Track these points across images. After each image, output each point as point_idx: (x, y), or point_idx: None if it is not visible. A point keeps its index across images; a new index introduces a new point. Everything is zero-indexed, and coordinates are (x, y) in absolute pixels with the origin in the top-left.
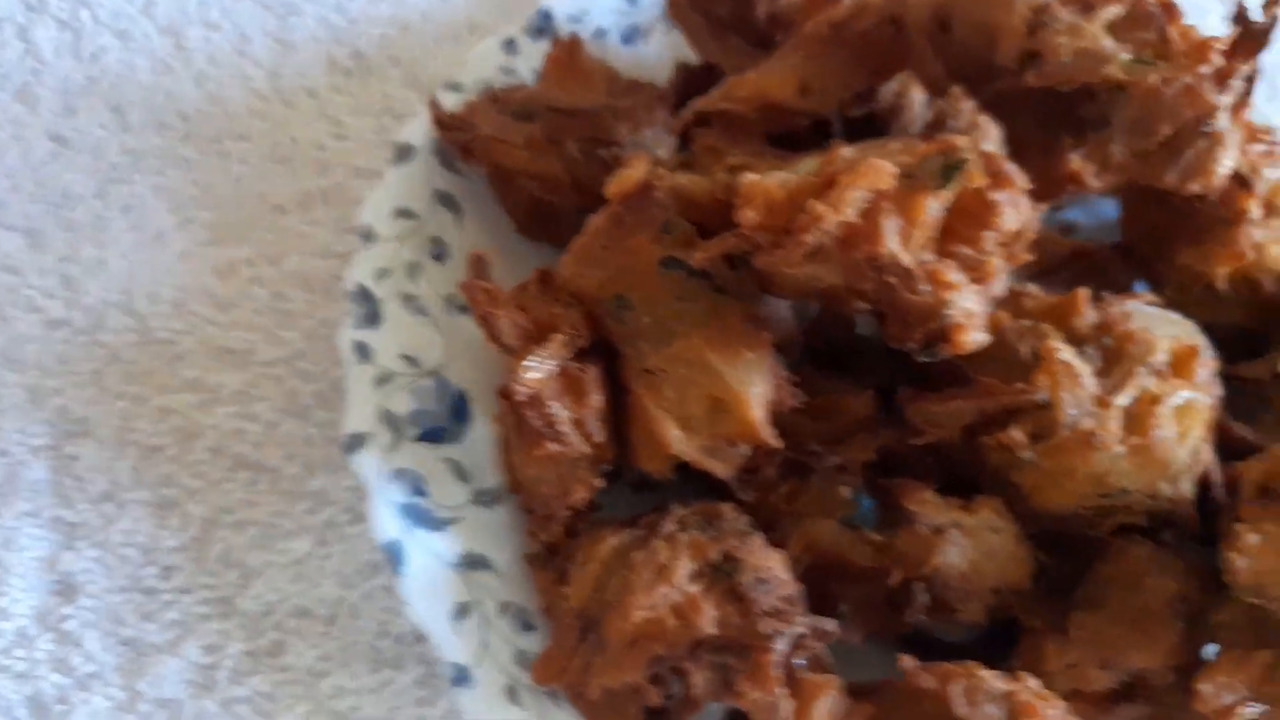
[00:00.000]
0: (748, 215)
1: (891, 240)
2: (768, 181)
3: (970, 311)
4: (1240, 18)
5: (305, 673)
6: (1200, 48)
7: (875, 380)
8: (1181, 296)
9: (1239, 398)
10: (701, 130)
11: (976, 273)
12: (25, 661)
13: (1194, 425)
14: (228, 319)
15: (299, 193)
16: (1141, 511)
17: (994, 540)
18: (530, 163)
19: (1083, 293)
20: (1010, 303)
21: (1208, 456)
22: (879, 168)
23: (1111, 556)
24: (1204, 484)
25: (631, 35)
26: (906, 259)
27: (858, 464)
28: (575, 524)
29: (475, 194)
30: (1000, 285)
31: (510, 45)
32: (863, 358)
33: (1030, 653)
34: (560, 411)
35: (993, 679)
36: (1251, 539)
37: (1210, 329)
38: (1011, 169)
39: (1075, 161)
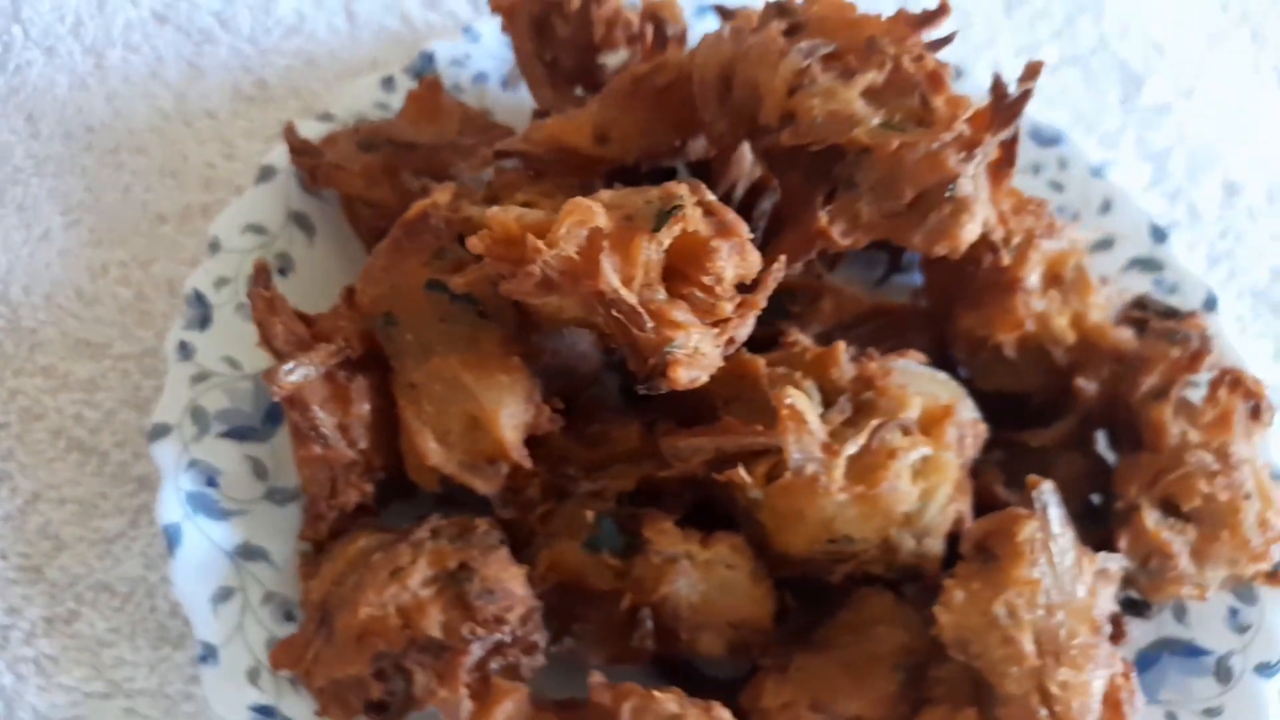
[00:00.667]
0: (473, 242)
1: (611, 277)
2: (506, 215)
3: (695, 350)
4: (996, 88)
5: (93, 641)
6: (951, 116)
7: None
8: (972, 360)
9: (1025, 464)
10: (503, 168)
11: (707, 315)
12: None
13: (939, 483)
14: (91, 314)
15: (181, 206)
16: (878, 561)
17: (727, 575)
18: (365, 190)
19: (840, 346)
20: (782, 351)
21: (958, 515)
22: (587, 207)
23: (852, 604)
24: (954, 542)
25: (510, 81)
26: (629, 297)
27: (613, 490)
28: (344, 525)
29: (331, 217)
30: (743, 331)
31: (389, 83)
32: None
33: (752, 689)
34: (324, 417)
35: (667, 702)
36: (957, 595)
37: (1007, 397)
38: (734, 219)
39: (823, 219)
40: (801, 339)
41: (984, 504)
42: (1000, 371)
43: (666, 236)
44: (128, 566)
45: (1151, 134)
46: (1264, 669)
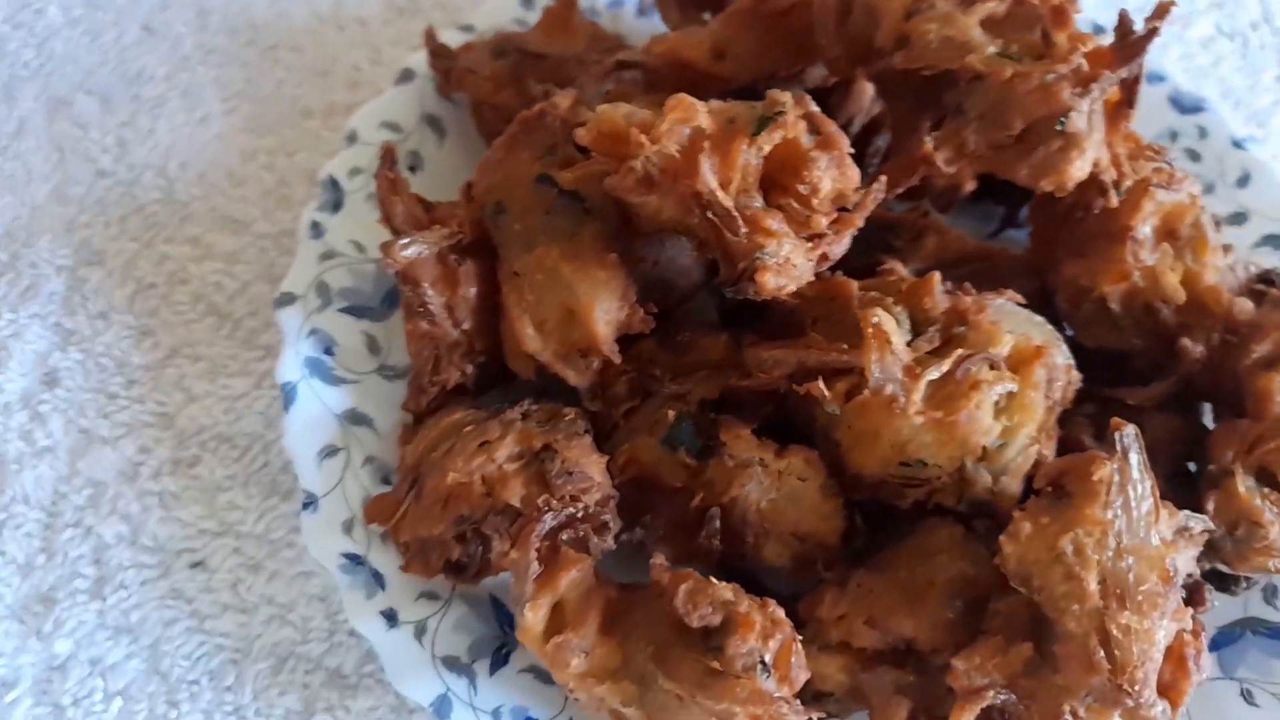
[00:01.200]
0: (580, 133)
1: (709, 178)
2: (614, 111)
3: (785, 259)
4: (1121, 24)
5: (211, 485)
6: (1070, 50)
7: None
8: (1075, 312)
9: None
10: (621, 79)
11: (802, 227)
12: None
13: (1023, 422)
14: (238, 194)
15: (327, 103)
16: (951, 492)
17: (798, 487)
18: (492, 94)
19: (935, 275)
20: (878, 279)
21: (1039, 458)
22: (690, 104)
23: (920, 531)
24: (1032, 485)
25: (644, 7)
26: (725, 199)
27: (696, 395)
28: (443, 402)
29: (461, 122)
30: (838, 248)
31: (529, 1)
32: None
33: (811, 599)
34: (433, 295)
35: (722, 590)
36: (1025, 527)
37: (1109, 354)
38: (835, 132)
39: (928, 144)
40: (899, 269)
41: (1069, 454)
42: (1103, 327)
43: (766, 142)
44: (248, 422)
45: None
46: None
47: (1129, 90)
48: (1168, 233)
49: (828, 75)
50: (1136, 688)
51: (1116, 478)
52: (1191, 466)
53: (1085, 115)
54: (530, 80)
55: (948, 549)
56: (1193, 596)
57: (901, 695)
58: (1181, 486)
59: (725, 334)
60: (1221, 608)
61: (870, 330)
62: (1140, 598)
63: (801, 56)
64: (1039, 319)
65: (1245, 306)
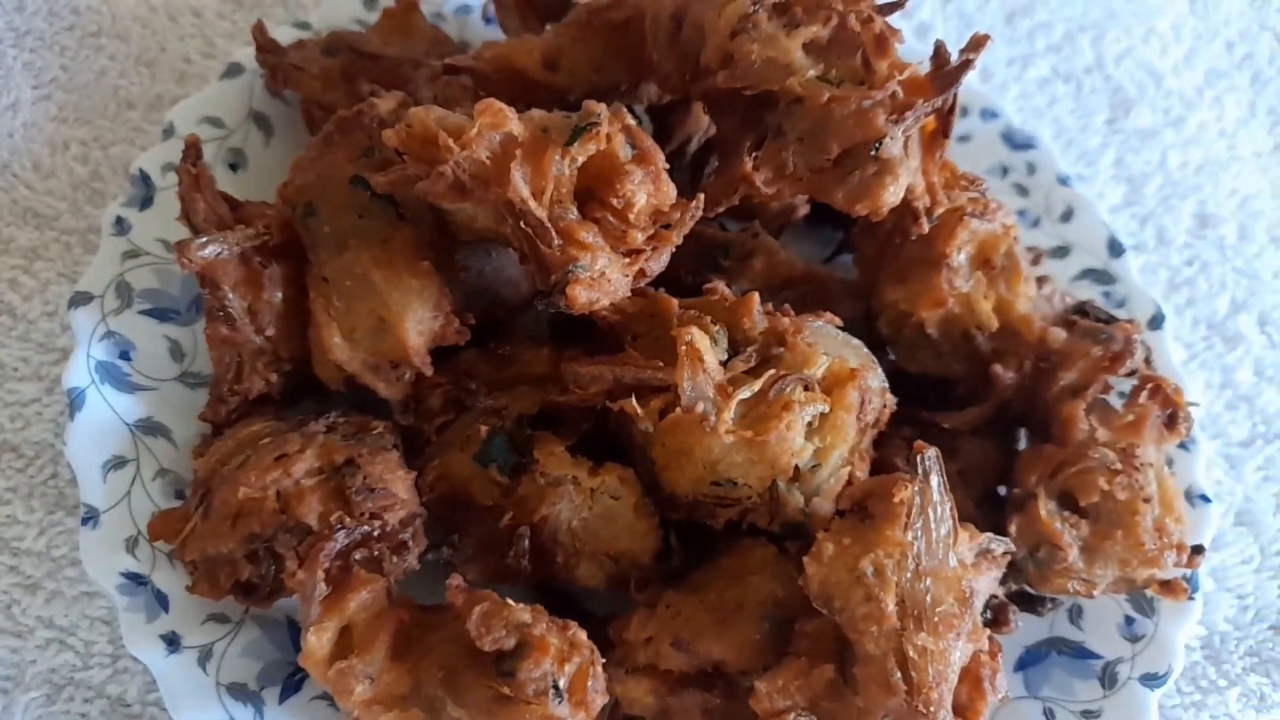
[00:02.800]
0: (388, 135)
1: (521, 187)
2: (426, 115)
3: (600, 274)
4: (938, 56)
5: None
6: (887, 77)
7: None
8: (896, 336)
9: (933, 444)
10: (446, 80)
11: (618, 242)
12: None
13: (835, 443)
14: (44, 186)
15: (152, 95)
16: (764, 512)
17: (612, 505)
18: (320, 93)
19: (753, 296)
20: (701, 298)
21: (852, 477)
22: (499, 109)
23: (733, 551)
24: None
25: (488, 13)
26: (537, 209)
27: (514, 410)
28: (247, 412)
29: (293, 122)
30: (655, 264)
31: (372, 1)
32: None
33: (620, 622)
34: (234, 298)
35: (519, 612)
36: (827, 548)
37: (931, 380)
38: (651, 147)
39: (748, 164)
40: (722, 289)
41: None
42: (924, 351)
43: (580, 152)
44: (36, 430)
45: (1132, 157)
46: (1150, 679)
47: (944, 120)
48: (982, 261)
49: (659, 93)
50: (932, 709)
51: (917, 500)
52: (1004, 491)
53: (900, 142)
54: (362, 81)
55: (759, 570)
56: (997, 617)
57: (708, 718)
58: (993, 510)
59: (549, 348)
60: (1029, 628)
61: (683, 348)
62: (936, 619)
63: (636, 71)
64: (856, 342)
65: (1058, 335)
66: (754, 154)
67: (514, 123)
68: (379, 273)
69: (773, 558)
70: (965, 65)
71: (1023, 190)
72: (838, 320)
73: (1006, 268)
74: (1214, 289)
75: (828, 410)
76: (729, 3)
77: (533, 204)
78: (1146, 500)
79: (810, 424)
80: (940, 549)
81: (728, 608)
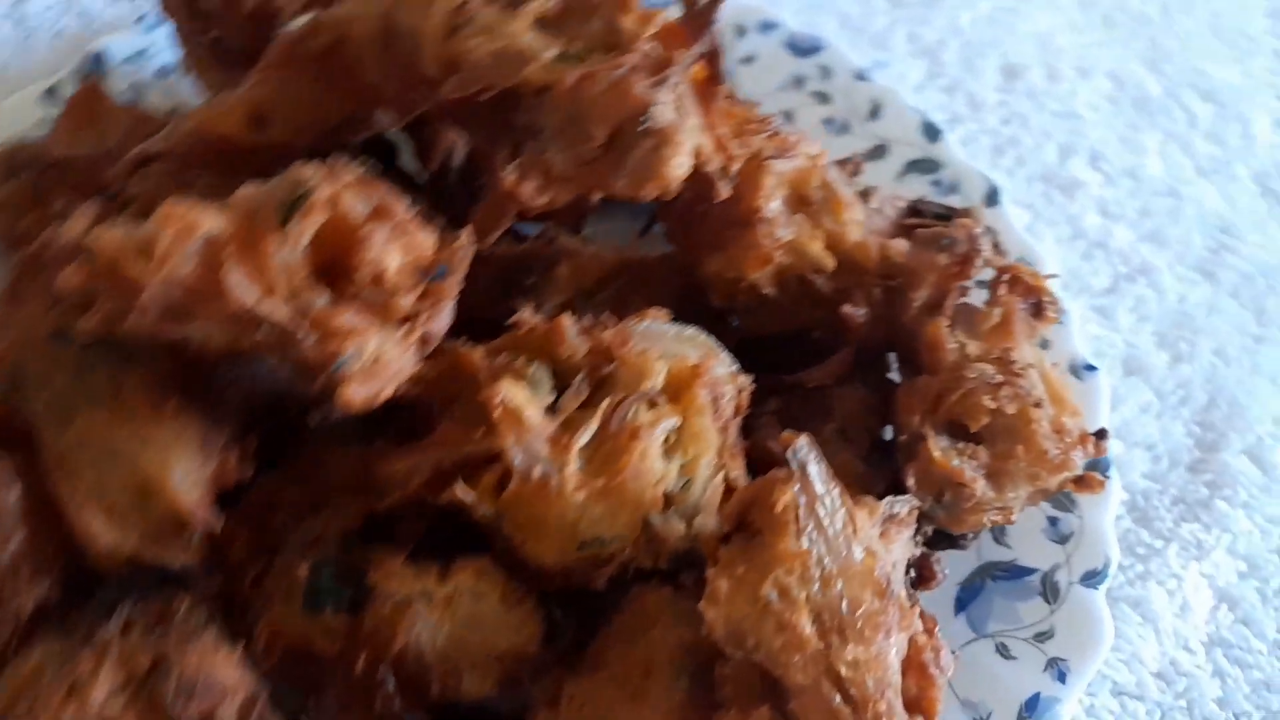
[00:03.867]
0: (66, 277)
1: (244, 292)
2: (110, 237)
3: (374, 359)
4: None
5: None
6: (635, 36)
7: None
8: (732, 305)
9: (805, 408)
10: (143, 172)
11: (384, 314)
12: None
13: (699, 453)
14: None
15: None
16: (645, 554)
17: (475, 607)
18: (12, 228)
19: (562, 319)
20: (505, 336)
21: (729, 481)
22: (183, 213)
23: (624, 607)
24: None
25: (188, 69)
26: (276, 309)
27: (335, 532)
28: (28, 634)
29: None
30: (438, 324)
31: (51, 94)
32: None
33: None
34: None
35: None
36: (722, 585)
37: (785, 337)
38: (385, 197)
39: (510, 179)
40: (527, 318)
41: (763, 463)
42: (766, 312)
43: (300, 230)
44: None
45: (923, 29)
46: (1091, 578)
47: (712, 64)
48: (798, 201)
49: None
50: None
51: (801, 500)
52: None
53: (669, 105)
54: (58, 196)
55: (658, 619)
56: (922, 574)
57: None
58: (885, 458)
59: (355, 447)
60: (957, 564)
61: (496, 411)
62: (860, 623)
63: (360, 101)
64: (689, 331)
65: (899, 249)
66: (514, 164)
67: (211, 218)
68: (120, 433)
69: (668, 601)
70: (714, 4)
71: (823, 97)
72: (663, 313)
73: (825, 199)
74: (1038, 140)
75: (680, 421)
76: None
77: (267, 305)
78: (1037, 405)
79: (666, 441)
80: (841, 544)
81: (635, 676)
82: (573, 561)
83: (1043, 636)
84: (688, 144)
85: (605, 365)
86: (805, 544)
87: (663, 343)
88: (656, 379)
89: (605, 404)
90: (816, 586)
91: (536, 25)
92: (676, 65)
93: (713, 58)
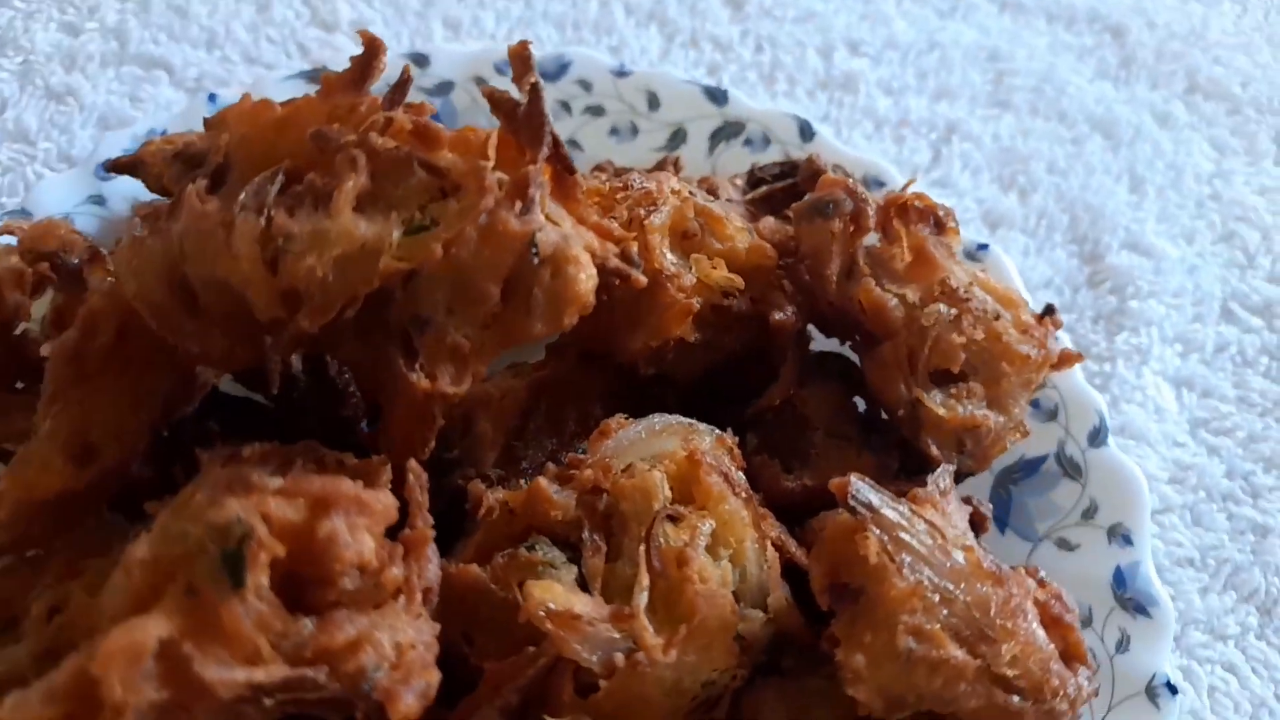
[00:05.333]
0: None
1: (228, 675)
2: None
3: (399, 655)
4: (498, 104)
5: None
6: (475, 170)
7: None
8: (662, 363)
9: (783, 430)
10: None
11: (379, 601)
12: None
13: (740, 536)
14: None
15: None
16: (744, 665)
17: None
18: None
19: (538, 485)
20: (478, 530)
21: (777, 542)
22: (117, 645)
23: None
24: (794, 578)
25: None
26: (272, 675)
27: None
28: None
29: None
30: (431, 572)
31: None
32: None
33: None
34: None
35: None
36: (858, 660)
37: (717, 370)
38: (326, 487)
39: (420, 380)
40: (490, 497)
41: (782, 507)
42: (696, 354)
43: (256, 584)
44: None
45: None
46: (1096, 437)
47: (558, 155)
48: (683, 239)
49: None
50: (1060, 693)
51: (885, 537)
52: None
53: (546, 224)
54: None
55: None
56: (977, 527)
57: None
58: (881, 434)
59: None
60: (975, 486)
61: (547, 625)
62: (998, 620)
63: (185, 369)
64: (659, 419)
65: (786, 231)
66: (416, 364)
67: (151, 626)
68: None
69: (779, 695)
70: (536, 92)
71: (597, 110)
72: (619, 419)
73: (705, 224)
74: (796, 53)
75: (712, 520)
76: (229, 234)
77: (260, 674)
78: (997, 317)
79: (708, 548)
80: (940, 556)
81: None
82: (691, 716)
83: (1089, 513)
84: (580, 252)
85: (600, 501)
86: (912, 577)
87: (640, 447)
88: (663, 490)
89: (631, 548)
90: (944, 611)
91: (358, 209)
92: (533, 179)
93: (557, 150)
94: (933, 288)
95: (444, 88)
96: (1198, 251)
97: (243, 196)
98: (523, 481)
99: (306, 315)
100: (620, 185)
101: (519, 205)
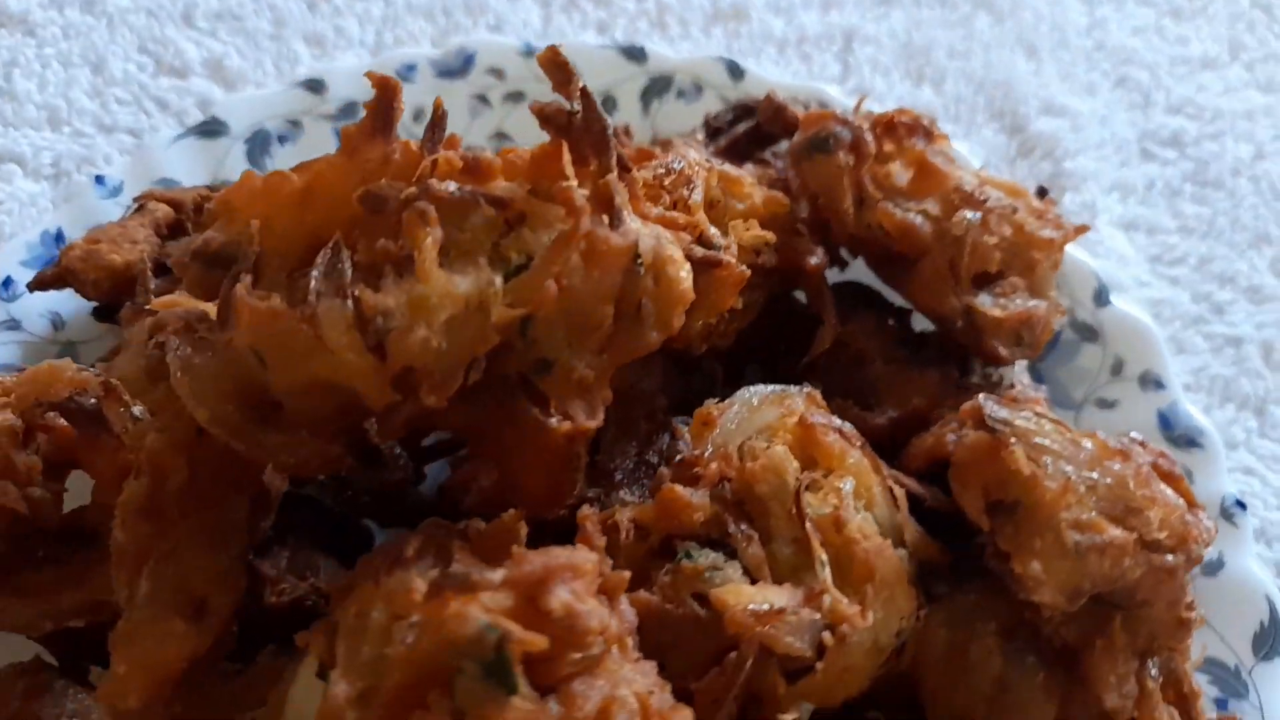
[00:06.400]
0: None
1: None
2: None
3: (640, 703)
4: (548, 118)
5: None
6: (559, 191)
7: None
8: (716, 334)
9: (844, 370)
10: None
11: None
12: None
13: (870, 485)
14: None
15: None
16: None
17: None
18: None
19: (676, 491)
20: (611, 568)
21: (903, 486)
22: None
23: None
24: (930, 513)
25: None
26: None
27: None
28: None
29: None
30: (630, 615)
31: None
32: None
33: None
34: None
35: None
36: (1034, 566)
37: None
38: (544, 561)
39: (561, 425)
40: (620, 517)
41: (875, 439)
42: (735, 319)
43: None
44: None
45: None
46: (1100, 297)
47: (619, 158)
48: (711, 208)
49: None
50: (1199, 540)
51: (1022, 446)
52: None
53: (632, 224)
54: None
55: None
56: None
57: None
58: (922, 347)
59: None
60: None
61: (755, 625)
62: (1138, 491)
63: (259, 487)
64: (751, 394)
65: (795, 180)
66: (550, 409)
67: None
68: None
69: (952, 618)
70: (588, 99)
71: (518, 97)
72: (714, 403)
73: (724, 187)
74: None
75: (849, 478)
76: (319, 327)
77: None
78: (1014, 210)
79: (855, 501)
80: (1074, 449)
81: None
82: (881, 672)
83: (1117, 369)
84: (677, 251)
85: (739, 495)
86: (1060, 476)
87: (744, 427)
88: (790, 463)
89: (779, 527)
90: (1094, 499)
91: (446, 267)
92: (615, 188)
93: (623, 164)
94: (949, 197)
95: (349, 109)
96: (1103, 102)
97: (314, 284)
98: (623, 494)
99: (430, 391)
100: (662, 170)
101: (608, 218)
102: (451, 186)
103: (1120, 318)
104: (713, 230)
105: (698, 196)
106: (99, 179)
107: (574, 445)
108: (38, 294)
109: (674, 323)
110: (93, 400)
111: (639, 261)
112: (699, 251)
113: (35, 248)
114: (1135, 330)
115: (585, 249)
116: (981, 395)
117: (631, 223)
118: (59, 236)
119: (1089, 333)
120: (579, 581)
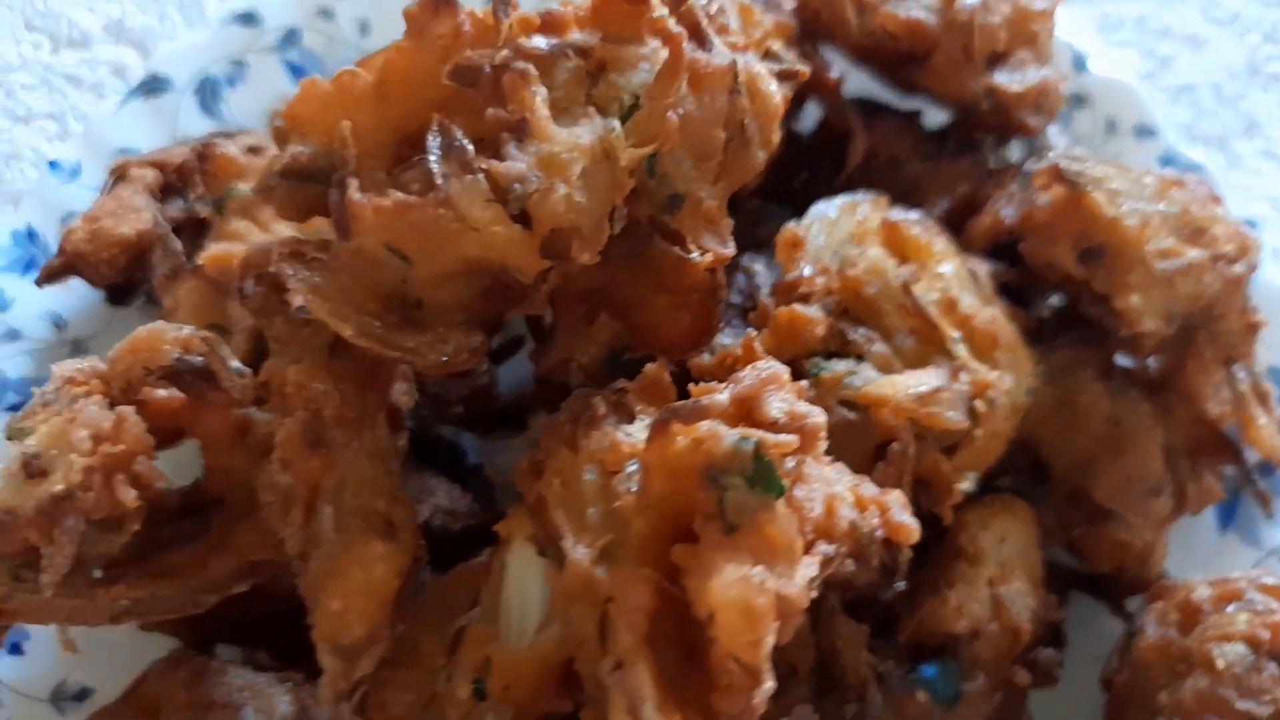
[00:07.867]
0: None
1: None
2: None
3: (857, 498)
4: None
5: None
6: (658, 25)
7: None
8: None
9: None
10: None
11: None
12: None
13: (960, 270)
14: None
15: None
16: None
17: None
18: None
19: (796, 310)
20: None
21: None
22: None
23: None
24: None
25: None
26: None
27: None
28: None
29: None
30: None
31: None
32: None
33: None
34: None
35: None
36: (1134, 301)
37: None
38: (758, 379)
39: (700, 261)
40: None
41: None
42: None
43: None
44: None
45: None
46: (1081, 63)
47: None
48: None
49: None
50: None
51: (1100, 192)
52: None
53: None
54: None
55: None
56: None
57: None
58: (944, 139)
59: None
60: None
61: (916, 409)
62: (1200, 211)
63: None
64: (825, 208)
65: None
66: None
67: (744, 587)
68: None
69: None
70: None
71: None
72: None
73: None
74: None
75: (945, 261)
76: (457, 208)
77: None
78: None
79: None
80: (1139, 187)
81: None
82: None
83: (1110, 126)
84: (763, 68)
85: (839, 303)
86: (1135, 212)
87: (832, 242)
88: (889, 261)
89: (892, 319)
90: (1167, 228)
91: (556, 118)
92: (699, 10)
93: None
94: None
95: (291, 37)
96: None
97: (436, 167)
98: (721, 340)
99: (583, 248)
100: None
101: (692, 39)
102: (542, 42)
103: (1102, 80)
104: (775, 45)
105: (735, 23)
106: (53, 164)
107: (715, 276)
108: (31, 299)
109: (774, 139)
110: (199, 358)
111: (739, 82)
112: (775, 66)
113: (10, 251)
114: (1119, 88)
115: (690, 77)
116: (1051, 154)
117: (723, 46)
118: (31, 234)
119: (1076, 100)
120: (786, 389)
